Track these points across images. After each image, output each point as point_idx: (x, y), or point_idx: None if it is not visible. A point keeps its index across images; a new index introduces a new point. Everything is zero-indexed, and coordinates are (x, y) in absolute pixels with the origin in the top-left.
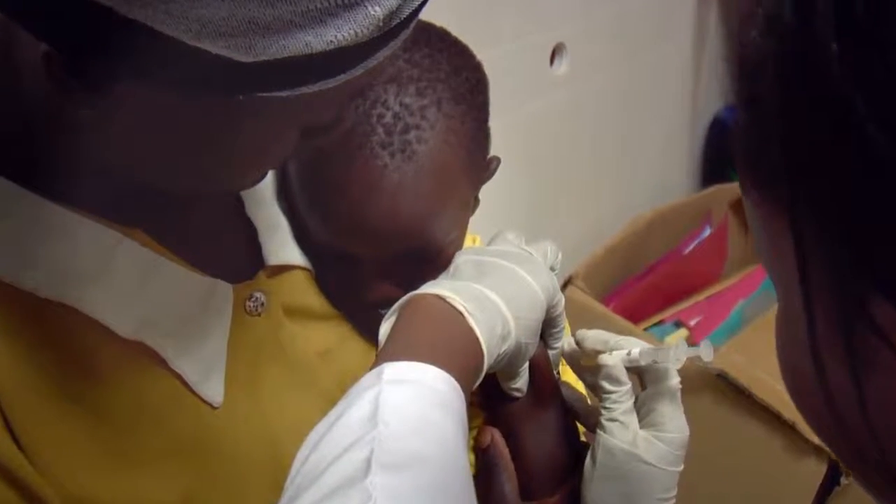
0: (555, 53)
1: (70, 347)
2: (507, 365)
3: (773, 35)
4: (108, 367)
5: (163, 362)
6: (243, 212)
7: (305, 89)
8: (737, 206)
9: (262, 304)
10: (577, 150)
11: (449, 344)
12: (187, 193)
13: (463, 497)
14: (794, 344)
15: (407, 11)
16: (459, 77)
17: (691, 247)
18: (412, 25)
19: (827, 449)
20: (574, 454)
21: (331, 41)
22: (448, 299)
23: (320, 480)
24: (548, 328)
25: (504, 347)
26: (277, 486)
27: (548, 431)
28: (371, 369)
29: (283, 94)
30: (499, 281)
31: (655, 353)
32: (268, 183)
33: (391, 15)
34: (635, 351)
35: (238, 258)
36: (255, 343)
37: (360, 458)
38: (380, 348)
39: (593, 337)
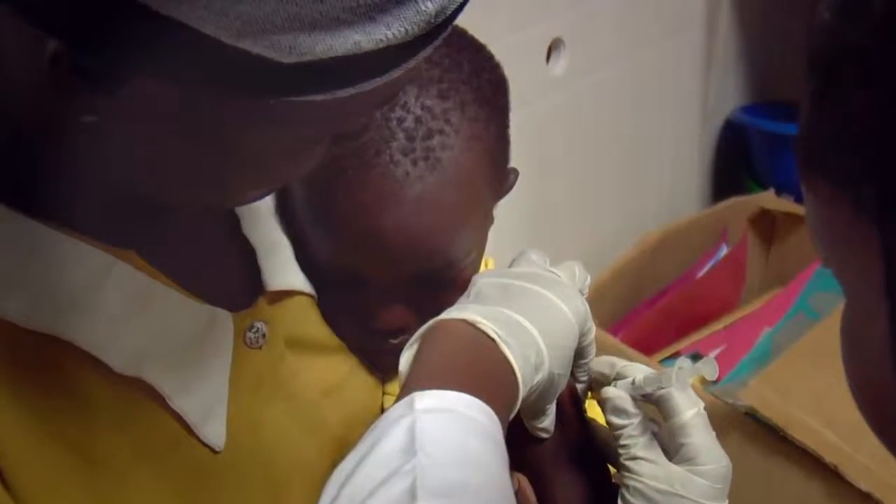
0: (551, 50)
1: (62, 385)
2: (537, 400)
3: (855, 26)
4: (102, 406)
5: (161, 401)
6: (239, 230)
7: (342, 93)
8: (756, 222)
9: (264, 335)
10: (576, 159)
11: (482, 372)
12: (191, 206)
13: None
14: (866, 348)
15: (452, 7)
16: (481, 78)
17: (706, 268)
18: (453, 22)
19: (877, 496)
20: (607, 498)
21: (380, 40)
22: (478, 324)
23: None
24: (576, 359)
25: (537, 378)
26: None
27: (577, 474)
28: (398, 399)
29: (318, 97)
30: (528, 306)
31: (659, 379)
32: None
33: (440, 11)
34: (639, 378)
35: (235, 283)
36: (256, 379)
37: (403, 488)
38: (402, 378)
39: (595, 364)
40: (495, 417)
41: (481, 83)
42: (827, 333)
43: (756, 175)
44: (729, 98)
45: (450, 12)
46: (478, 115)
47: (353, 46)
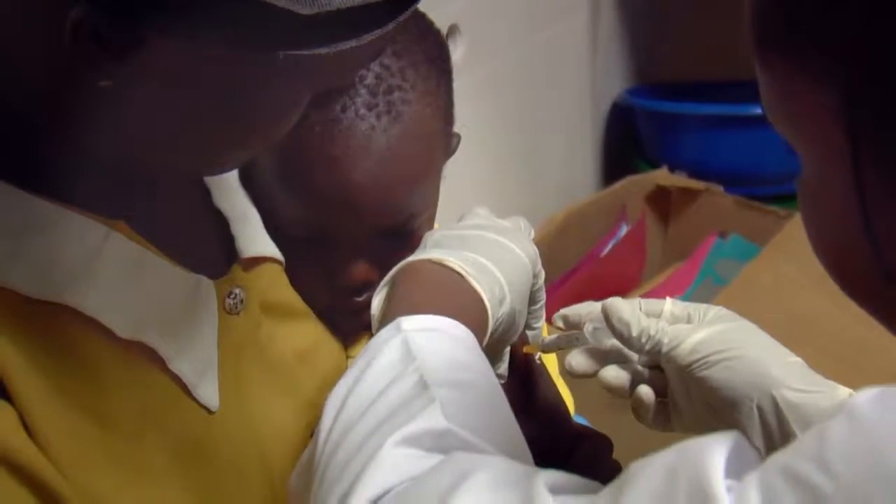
0: (448, 37)
1: (70, 349)
2: (499, 339)
3: None
4: (110, 370)
5: (160, 363)
6: (210, 201)
7: (344, 45)
8: (652, 198)
9: (241, 300)
10: (476, 147)
11: (456, 303)
12: (181, 171)
13: (514, 424)
14: (826, 211)
15: None
16: (427, 41)
17: (609, 247)
18: None
19: None
20: (568, 441)
21: None
22: (445, 262)
23: (370, 412)
24: (529, 305)
25: (502, 311)
26: (270, 499)
27: (536, 419)
28: (379, 329)
29: (323, 50)
30: (486, 249)
31: (574, 337)
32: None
33: None
34: (553, 337)
35: (212, 251)
36: (237, 344)
37: (412, 382)
38: (375, 319)
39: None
40: (476, 339)
41: (428, 45)
42: (735, 296)
43: (645, 155)
44: (615, 81)
45: None
46: (429, 74)
47: None
